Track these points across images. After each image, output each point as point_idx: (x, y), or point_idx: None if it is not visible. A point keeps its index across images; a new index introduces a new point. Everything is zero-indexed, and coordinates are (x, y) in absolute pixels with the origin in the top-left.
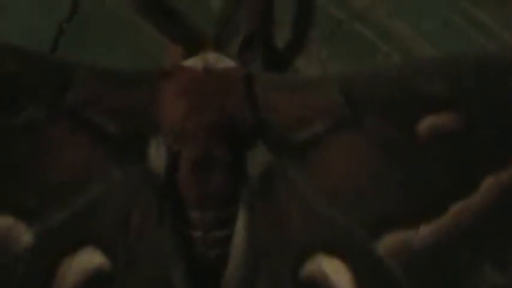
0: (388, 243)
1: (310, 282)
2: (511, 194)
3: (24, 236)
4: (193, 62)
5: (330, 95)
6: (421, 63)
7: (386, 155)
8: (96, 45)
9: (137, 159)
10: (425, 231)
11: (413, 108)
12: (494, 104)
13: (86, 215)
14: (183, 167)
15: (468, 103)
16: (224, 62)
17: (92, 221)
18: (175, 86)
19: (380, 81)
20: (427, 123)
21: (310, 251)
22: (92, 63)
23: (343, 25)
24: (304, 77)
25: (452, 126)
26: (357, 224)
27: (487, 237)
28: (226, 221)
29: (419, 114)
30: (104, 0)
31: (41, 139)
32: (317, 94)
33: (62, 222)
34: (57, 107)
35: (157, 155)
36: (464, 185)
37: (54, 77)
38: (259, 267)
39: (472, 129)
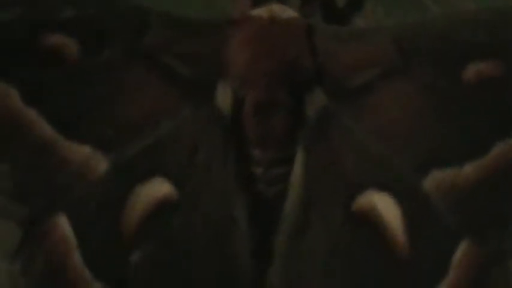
0: (434, 180)
1: (361, 215)
2: None
3: (101, 164)
4: (259, 12)
5: (382, 45)
6: (466, 15)
7: (433, 99)
8: None
9: (206, 100)
10: (469, 169)
11: (458, 57)
12: None
13: (157, 147)
14: (247, 109)
15: (509, 52)
16: (287, 13)
17: (162, 154)
18: (242, 33)
19: (428, 32)
20: (471, 70)
21: (362, 187)
22: (168, 11)
23: None
24: (359, 28)
25: (495, 72)
26: (406, 163)
27: None
28: (285, 159)
29: (464, 61)
30: None
31: (119, 77)
32: (371, 43)
33: (135, 153)
34: (134, 48)
35: (224, 97)
36: (506, 126)
37: (133, 21)
38: (315, 201)
39: None
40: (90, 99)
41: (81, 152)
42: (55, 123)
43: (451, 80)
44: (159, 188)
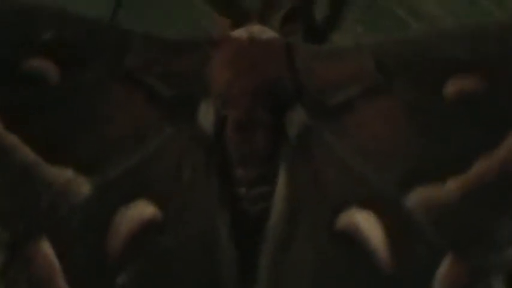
0: (416, 197)
1: (345, 233)
2: None
3: (83, 188)
4: (240, 33)
5: (362, 62)
6: (446, 31)
7: (414, 116)
8: (152, 19)
9: (188, 120)
10: (451, 185)
11: (439, 72)
12: None
13: (140, 169)
14: (229, 128)
15: (490, 66)
16: (267, 33)
17: (145, 175)
18: (223, 54)
19: (409, 48)
20: (452, 86)
21: (345, 205)
22: (149, 32)
23: (377, 2)
24: (339, 46)
25: (476, 88)
26: (388, 180)
27: (509, 190)
28: (268, 178)
29: (445, 77)
30: None
31: (101, 99)
32: (351, 61)
33: (118, 175)
34: (116, 69)
35: (206, 116)
36: (487, 142)
37: (113, 43)
38: (298, 219)
39: (494, 90)
40: (71, 122)
41: (63, 175)
42: (36, 147)
43: (433, 96)
44: (142, 210)
